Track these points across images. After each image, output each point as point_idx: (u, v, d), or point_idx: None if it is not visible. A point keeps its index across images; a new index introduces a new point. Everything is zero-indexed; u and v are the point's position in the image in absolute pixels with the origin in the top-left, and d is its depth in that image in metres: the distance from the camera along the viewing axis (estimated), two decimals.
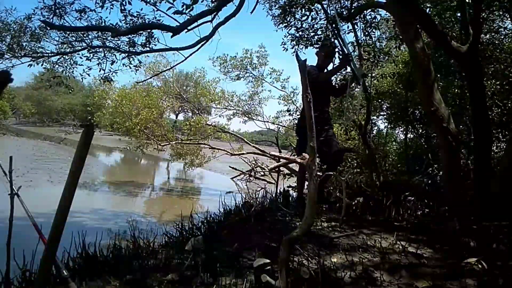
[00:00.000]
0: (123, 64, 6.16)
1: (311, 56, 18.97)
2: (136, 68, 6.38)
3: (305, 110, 1.77)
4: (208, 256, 2.33)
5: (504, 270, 2.20)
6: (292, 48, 6.06)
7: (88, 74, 6.32)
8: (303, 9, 5.68)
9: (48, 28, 5.72)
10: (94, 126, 1.33)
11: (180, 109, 23.77)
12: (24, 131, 30.09)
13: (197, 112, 14.22)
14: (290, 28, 6.02)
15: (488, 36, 6.00)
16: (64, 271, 1.77)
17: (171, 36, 4.24)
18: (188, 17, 4.32)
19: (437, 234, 3.07)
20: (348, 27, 5.70)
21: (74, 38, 6.00)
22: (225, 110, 13.62)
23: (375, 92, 6.59)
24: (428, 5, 5.74)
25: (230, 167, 14.10)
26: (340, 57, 4.66)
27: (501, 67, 5.78)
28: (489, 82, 5.70)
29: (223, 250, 2.56)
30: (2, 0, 6.03)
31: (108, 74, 6.20)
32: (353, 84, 4.17)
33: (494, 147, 5.44)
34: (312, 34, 5.87)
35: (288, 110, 10.67)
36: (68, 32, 5.76)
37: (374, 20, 5.65)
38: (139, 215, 6.95)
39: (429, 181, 5.78)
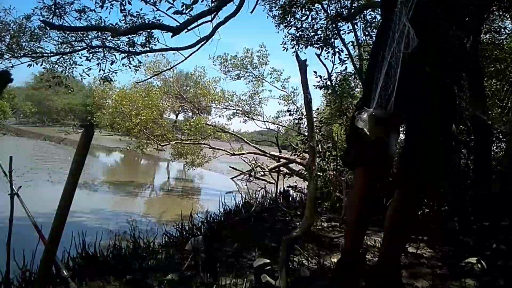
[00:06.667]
0: (123, 64, 6.15)
1: (311, 56, 18.96)
2: (136, 68, 6.38)
3: (306, 111, 1.76)
4: (208, 256, 2.33)
5: (504, 270, 2.20)
6: (292, 48, 6.07)
7: (88, 74, 6.29)
8: (303, 9, 5.69)
9: (48, 28, 5.72)
10: (94, 126, 1.32)
11: (180, 109, 23.75)
12: (24, 131, 30.04)
13: (197, 112, 14.19)
14: (290, 28, 6.03)
15: (488, 36, 5.99)
16: (64, 271, 1.77)
17: (171, 36, 4.24)
18: (188, 17, 4.32)
19: (437, 234, 3.07)
20: (348, 27, 5.71)
21: (73, 38, 5.99)
22: (225, 110, 13.62)
23: None
24: None
25: (230, 167, 14.08)
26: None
27: (501, 66, 5.77)
28: (489, 82, 5.68)
29: (223, 250, 2.56)
30: (2, 0, 6.00)
31: (108, 74, 6.18)
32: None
33: (494, 147, 5.43)
34: (312, 34, 5.88)
35: (288, 110, 10.67)
36: (67, 32, 5.76)
37: (374, 20, 5.66)
38: (139, 215, 6.94)
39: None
